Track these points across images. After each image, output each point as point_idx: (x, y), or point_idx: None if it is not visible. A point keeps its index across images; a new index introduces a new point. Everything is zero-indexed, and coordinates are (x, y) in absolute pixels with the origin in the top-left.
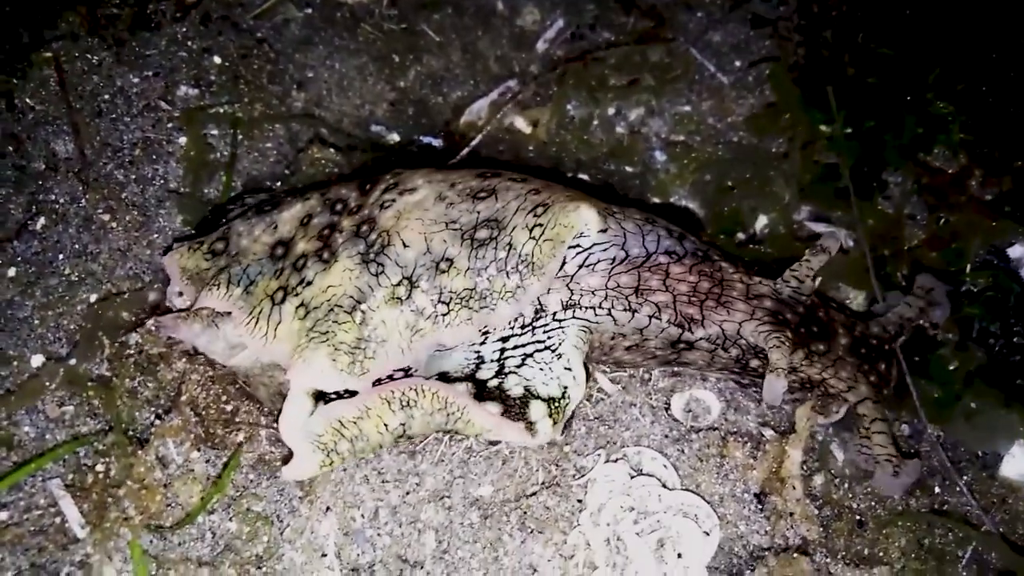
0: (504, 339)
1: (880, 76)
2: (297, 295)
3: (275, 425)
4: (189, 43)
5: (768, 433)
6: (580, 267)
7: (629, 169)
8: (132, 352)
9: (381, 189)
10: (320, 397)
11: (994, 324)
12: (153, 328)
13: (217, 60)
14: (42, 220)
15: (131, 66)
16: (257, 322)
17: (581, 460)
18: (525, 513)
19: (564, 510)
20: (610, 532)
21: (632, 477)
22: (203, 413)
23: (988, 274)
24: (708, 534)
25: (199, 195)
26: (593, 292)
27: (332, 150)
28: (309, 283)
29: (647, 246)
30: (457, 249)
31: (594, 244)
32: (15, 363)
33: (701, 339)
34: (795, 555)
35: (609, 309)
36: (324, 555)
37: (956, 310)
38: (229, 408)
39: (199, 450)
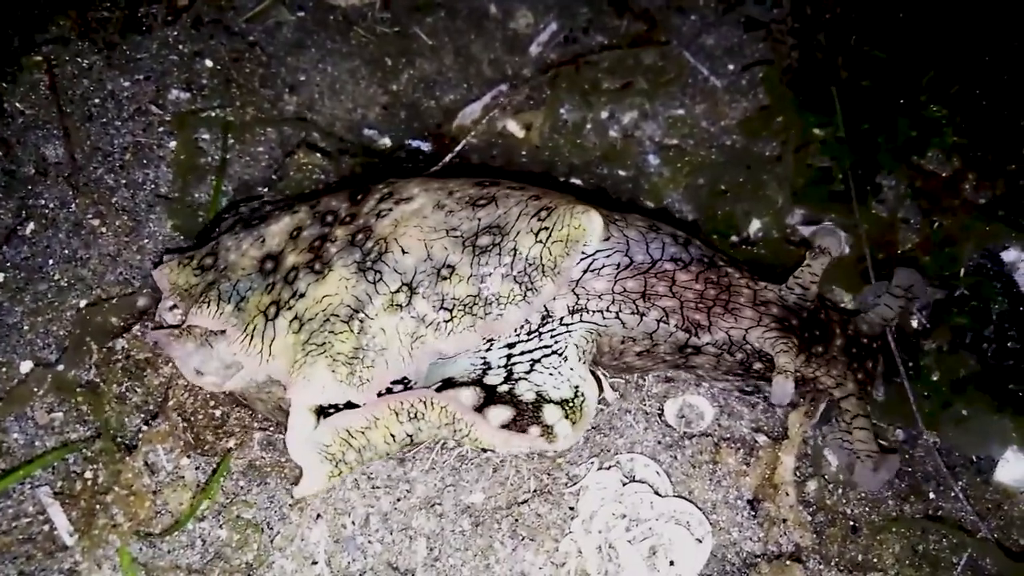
0: (510, 345)
1: (874, 79)
2: (290, 308)
3: (269, 429)
4: (180, 47)
5: (761, 439)
6: (585, 272)
7: (622, 173)
8: (120, 358)
9: (376, 199)
10: (322, 412)
11: (986, 329)
12: (148, 340)
13: (209, 64)
14: (32, 225)
15: (122, 70)
16: (252, 339)
17: (574, 469)
18: (516, 521)
19: (556, 517)
20: (602, 540)
21: (624, 484)
22: (191, 419)
23: (973, 280)
24: (701, 541)
25: (188, 200)
26: (600, 296)
27: (319, 155)
28: (302, 295)
29: (651, 253)
30: (459, 256)
31: (597, 251)
32: (4, 369)
33: (707, 344)
34: (788, 562)
35: (617, 312)
36: (315, 563)
37: (946, 317)
38: (218, 413)
39: (189, 457)
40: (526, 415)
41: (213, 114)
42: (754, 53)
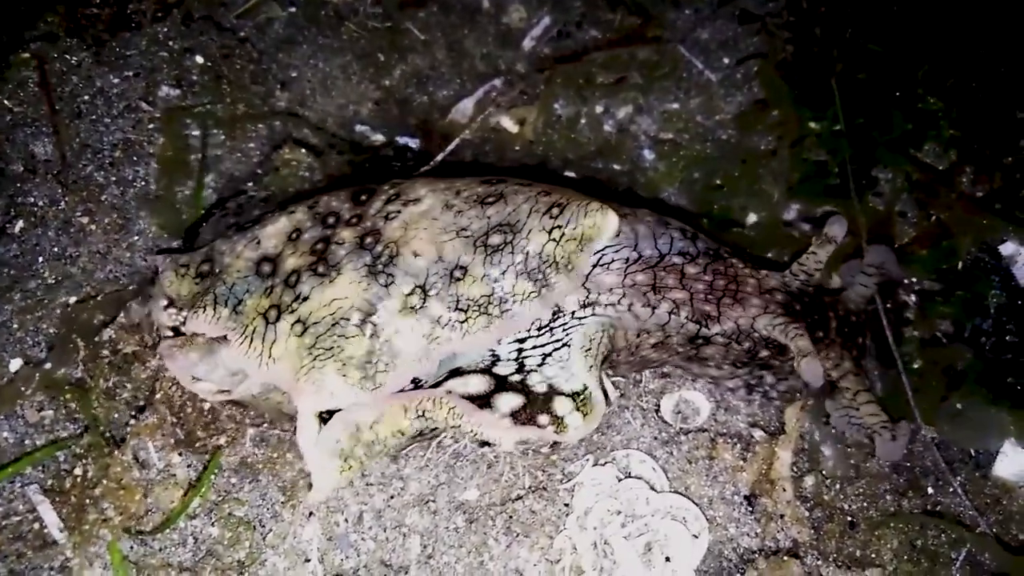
0: (520, 340)
1: (870, 72)
2: (292, 312)
3: (261, 426)
4: (170, 43)
5: (758, 434)
6: (595, 266)
7: (617, 167)
8: (107, 353)
9: (382, 200)
10: (327, 415)
11: (984, 323)
12: (159, 352)
13: (199, 60)
14: (21, 223)
15: (111, 67)
16: (252, 342)
17: (569, 466)
18: (511, 517)
19: (550, 514)
20: (597, 536)
21: (620, 480)
22: (180, 412)
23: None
24: (697, 537)
25: (174, 197)
26: (610, 290)
27: (304, 151)
28: (305, 298)
29: (660, 248)
30: (471, 256)
31: (607, 246)
32: None
33: (717, 334)
34: (785, 557)
35: (629, 305)
36: (307, 560)
37: (943, 310)
38: (207, 407)
39: (180, 454)
40: (536, 404)
41: (203, 111)
42: (749, 47)
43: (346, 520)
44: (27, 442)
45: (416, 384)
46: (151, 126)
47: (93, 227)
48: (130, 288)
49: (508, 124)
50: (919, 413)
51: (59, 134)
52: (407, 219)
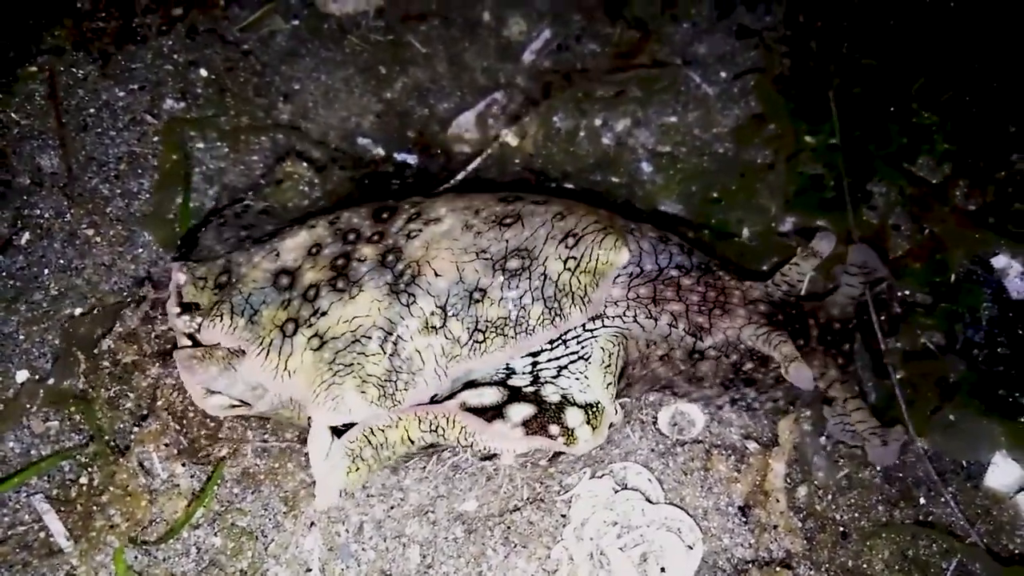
0: (534, 354)
1: (865, 86)
2: (310, 326)
3: (264, 437)
4: (175, 56)
5: (752, 446)
6: None
7: (616, 180)
8: (107, 363)
9: (404, 218)
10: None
11: (976, 335)
12: (174, 360)
13: (203, 73)
14: (27, 235)
15: (117, 80)
16: (268, 354)
17: (567, 478)
18: (509, 528)
19: (548, 525)
20: (593, 547)
21: (616, 492)
22: (182, 419)
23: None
24: (691, 548)
25: (173, 210)
26: (616, 303)
27: (306, 165)
28: (324, 313)
29: (659, 262)
30: (489, 279)
31: None
32: (0, 379)
33: (710, 347)
34: (779, 568)
35: (634, 316)
36: (309, 570)
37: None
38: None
39: (184, 465)
40: (547, 414)
41: (207, 123)
42: (746, 61)
43: (347, 530)
44: (33, 452)
45: (432, 398)
46: (156, 139)
47: (98, 239)
48: (130, 301)
49: (508, 137)
50: (912, 424)
51: (65, 147)
52: (428, 238)
